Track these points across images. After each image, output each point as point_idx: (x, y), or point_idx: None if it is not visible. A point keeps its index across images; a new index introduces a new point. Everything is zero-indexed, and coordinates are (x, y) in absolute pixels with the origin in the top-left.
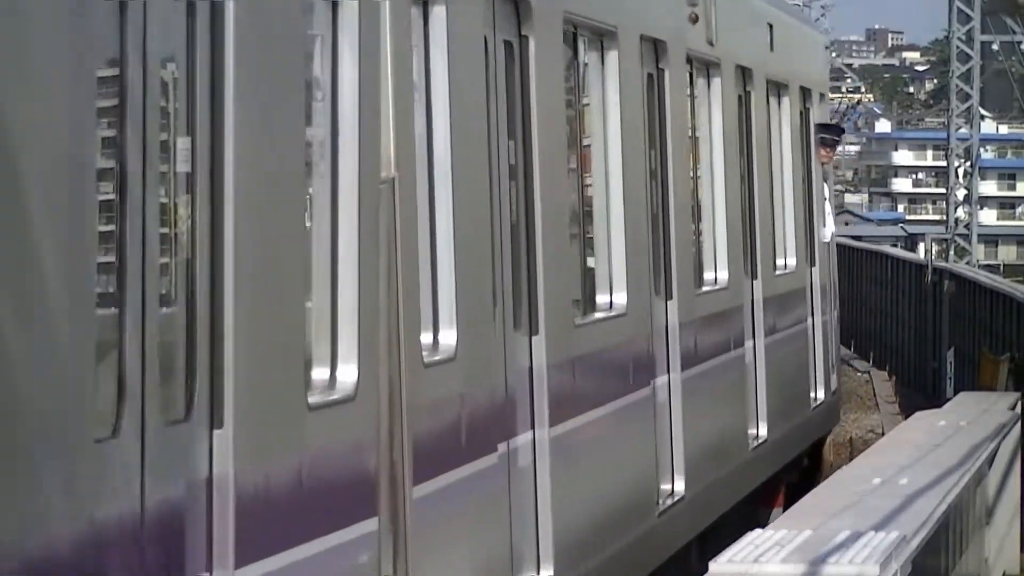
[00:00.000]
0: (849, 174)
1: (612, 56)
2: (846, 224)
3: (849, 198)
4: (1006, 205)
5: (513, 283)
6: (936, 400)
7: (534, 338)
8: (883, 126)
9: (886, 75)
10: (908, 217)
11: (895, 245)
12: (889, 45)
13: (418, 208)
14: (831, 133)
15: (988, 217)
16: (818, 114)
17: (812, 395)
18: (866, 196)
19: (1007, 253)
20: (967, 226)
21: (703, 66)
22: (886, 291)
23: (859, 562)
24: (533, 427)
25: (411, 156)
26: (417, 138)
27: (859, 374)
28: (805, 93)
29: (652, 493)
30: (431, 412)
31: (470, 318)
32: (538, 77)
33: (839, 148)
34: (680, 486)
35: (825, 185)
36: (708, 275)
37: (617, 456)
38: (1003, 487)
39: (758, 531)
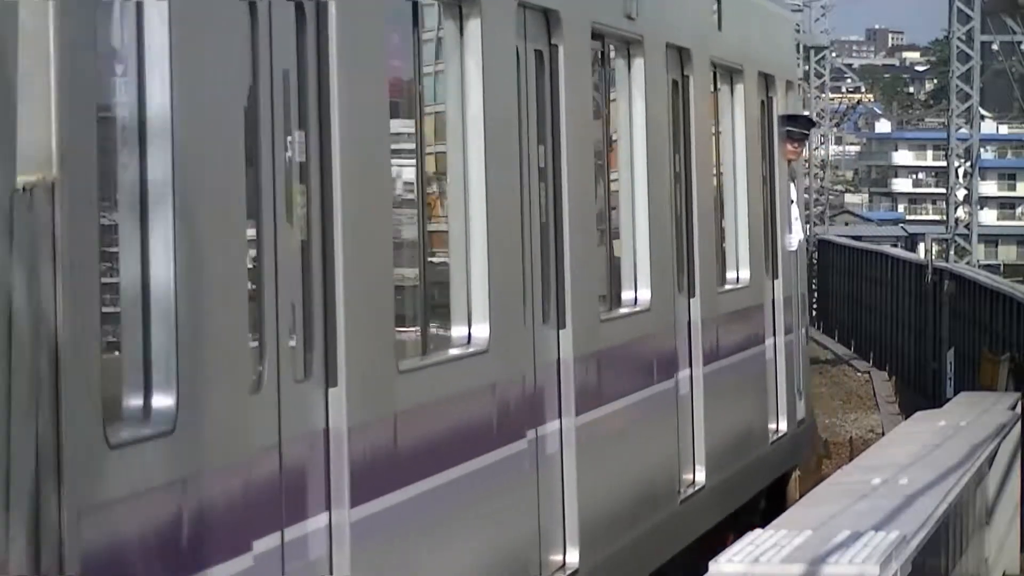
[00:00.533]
0: (849, 174)
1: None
2: (846, 224)
3: (849, 198)
4: (1006, 205)
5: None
6: (936, 400)
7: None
8: (883, 126)
9: (886, 75)
10: (908, 217)
11: (895, 245)
12: (889, 45)
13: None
14: (799, 126)
15: (988, 217)
16: (785, 104)
17: (772, 427)
18: (866, 196)
19: (1007, 253)
20: (967, 226)
21: (621, 44)
22: (886, 291)
23: (859, 562)
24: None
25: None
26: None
27: (859, 374)
28: (766, 80)
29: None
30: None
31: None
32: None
33: (843, 146)
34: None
35: (792, 186)
36: (626, 295)
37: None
38: (1003, 487)
39: (758, 531)
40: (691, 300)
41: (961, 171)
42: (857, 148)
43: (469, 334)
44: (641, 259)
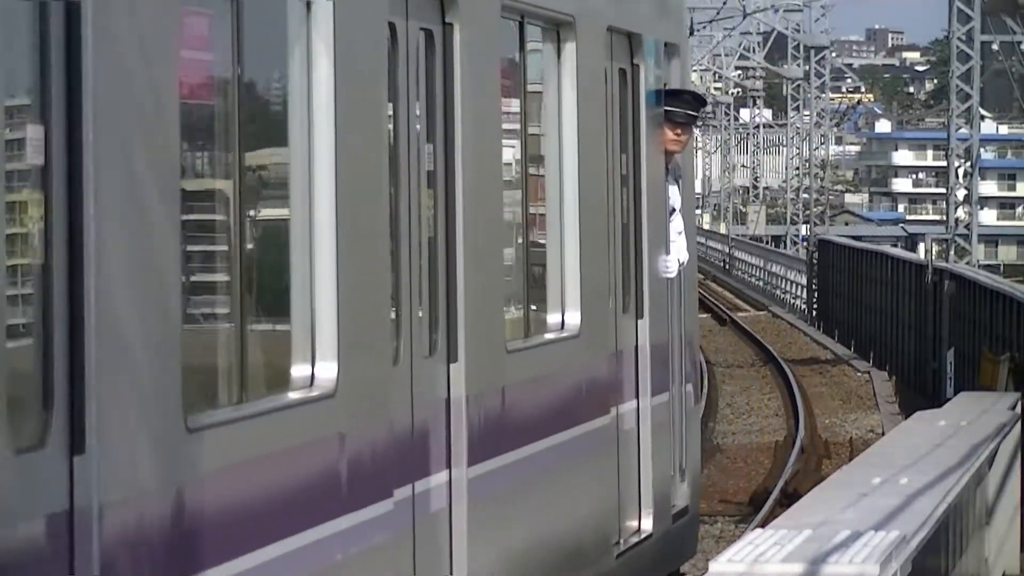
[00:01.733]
0: (849, 174)
1: None
2: (846, 224)
3: (849, 198)
4: (1006, 205)
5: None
6: (936, 400)
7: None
8: (883, 126)
9: (886, 75)
10: (908, 217)
11: (895, 245)
12: (889, 45)
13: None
14: (684, 104)
15: (988, 217)
16: (660, 76)
17: (629, 526)
18: (866, 196)
19: (1007, 253)
20: (967, 226)
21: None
22: (886, 291)
23: (859, 562)
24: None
25: None
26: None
27: (859, 374)
28: (626, 41)
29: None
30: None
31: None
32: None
33: (843, 146)
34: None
35: (675, 188)
36: (552, 318)
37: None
38: (1003, 487)
39: (758, 531)
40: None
41: (961, 171)
42: (857, 148)
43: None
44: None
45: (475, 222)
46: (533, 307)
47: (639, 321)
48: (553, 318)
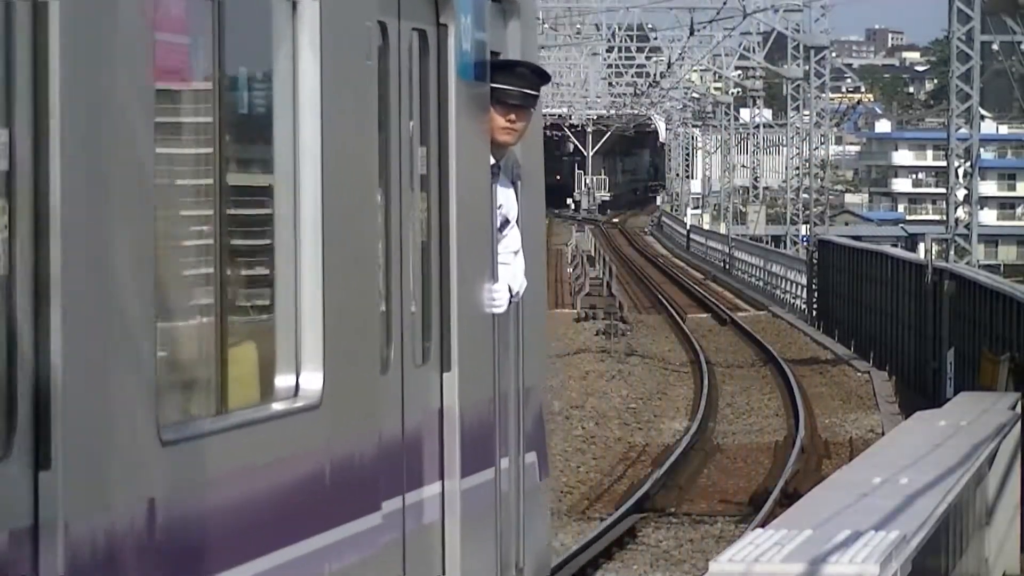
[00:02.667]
0: (849, 174)
1: None
2: (846, 224)
3: (849, 198)
4: (1006, 205)
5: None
6: (936, 400)
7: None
8: (883, 126)
9: (886, 75)
10: (908, 217)
11: (895, 245)
12: (889, 45)
13: None
14: (520, 81)
15: (988, 217)
16: (487, 43)
17: None
18: (866, 196)
19: (1007, 253)
20: (967, 226)
21: None
22: (886, 291)
23: (859, 562)
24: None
25: None
26: None
27: (859, 374)
28: None
29: None
30: None
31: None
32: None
33: (843, 146)
34: None
35: (510, 192)
36: (281, 381)
37: None
38: (1003, 487)
39: (758, 531)
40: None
41: (961, 171)
42: (857, 148)
43: None
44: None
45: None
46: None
47: (444, 375)
48: (283, 381)
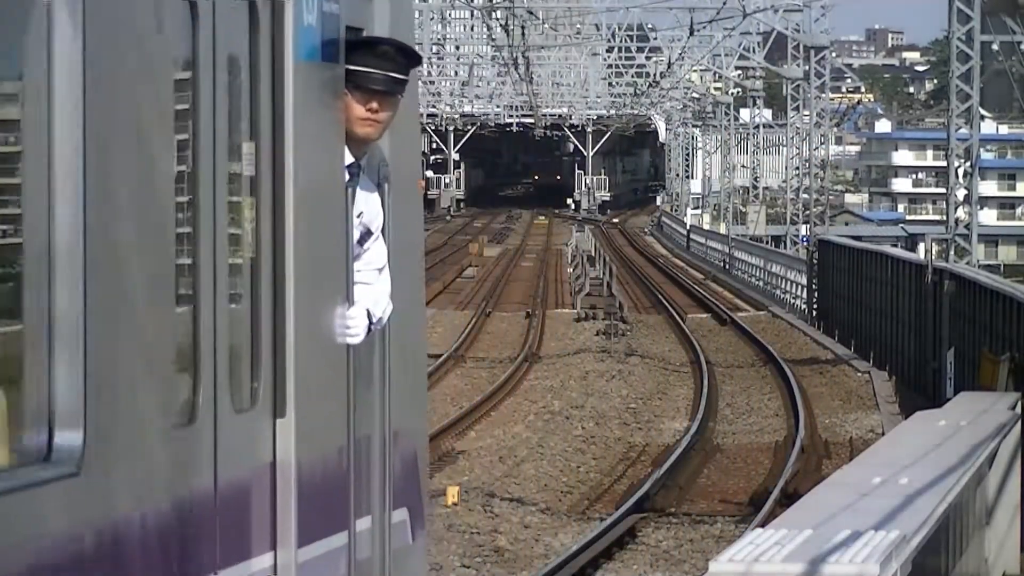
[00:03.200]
0: (849, 174)
1: None
2: (846, 224)
3: (849, 198)
4: (1006, 205)
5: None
6: (936, 400)
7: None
8: (883, 126)
9: (886, 75)
10: (908, 217)
11: (895, 245)
12: (889, 45)
13: None
14: (383, 63)
15: (988, 217)
16: (341, 16)
17: None
18: (866, 196)
19: (1007, 253)
20: (967, 226)
21: None
22: (886, 291)
23: (859, 562)
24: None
25: None
26: None
27: (859, 374)
28: None
29: None
30: None
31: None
32: None
33: (843, 146)
34: None
35: (373, 196)
36: (33, 438)
37: None
38: (1003, 487)
39: (758, 531)
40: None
41: (961, 171)
42: (857, 148)
43: None
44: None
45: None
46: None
47: (278, 422)
48: (31, 439)
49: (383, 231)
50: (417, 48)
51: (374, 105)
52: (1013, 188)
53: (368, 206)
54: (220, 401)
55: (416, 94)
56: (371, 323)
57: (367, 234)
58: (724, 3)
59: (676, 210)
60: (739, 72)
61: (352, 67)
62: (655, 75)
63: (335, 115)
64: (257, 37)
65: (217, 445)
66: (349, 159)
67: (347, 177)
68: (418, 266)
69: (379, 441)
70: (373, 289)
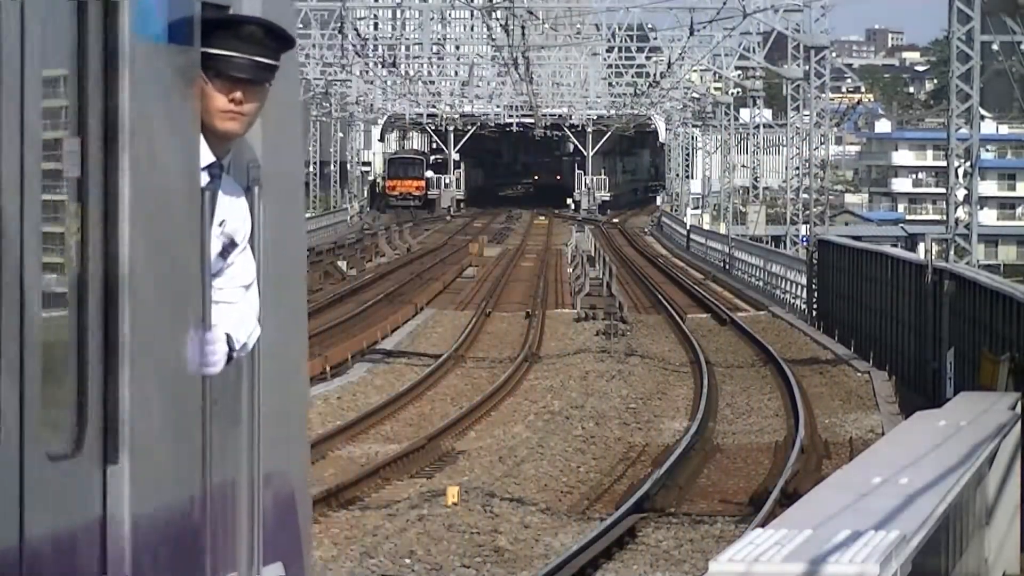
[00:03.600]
0: (849, 174)
1: None
2: (846, 224)
3: (849, 198)
4: (1006, 205)
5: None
6: (936, 400)
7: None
8: (883, 126)
9: (886, 75)
10: (908, 217)
11: (895, 245)
12: (889, 45)
13: None
14: (247, 46)
15: (988, 217)
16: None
17: None
18: (866, 196)
19: (1007, 253)
20: (967, 226)
21: None
22: (886, 291)
23: (859, 562)
24: None
25: None
26: None
27: (859, 374)
28: None
29: None
30: None
31: None
32: None
33: (843, 146)
34: None
35: (240, 203)
36: None
37: None
38: (1003, 487)
39: (758, 531)
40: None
41: (961, 171)
42: (857, 148)
43: None
44: None
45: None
46: None
47: (108, 469)
48: None
49: (252, 242)
50: (288, 29)
51: (238, 95)
52: (1013, 188)
53: (233, 213)
54: (28, 446)
55: (296, 81)
56: (233, 350)
57: (231, 245)
58: (724, 3)
59: (676, 210)
60: (739, 72)
61: (211, 51)
62: (655, 75)
63: (188, 107)
64: (85, 13)
65: (23, 500)
66: (209, 158)
67: (207, 179)
68: (298, 282)
69: (246, 487)
70: (237, 309)
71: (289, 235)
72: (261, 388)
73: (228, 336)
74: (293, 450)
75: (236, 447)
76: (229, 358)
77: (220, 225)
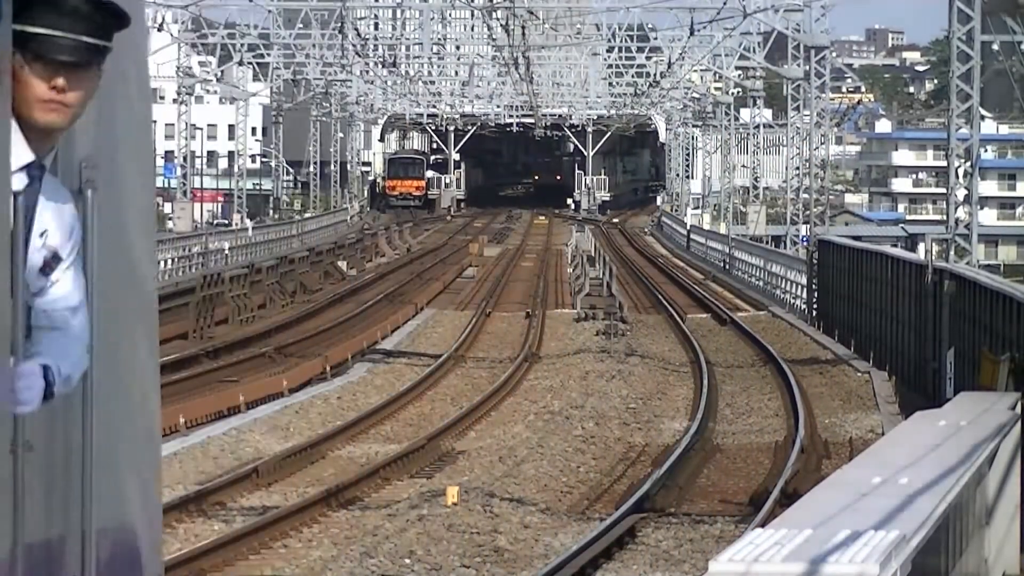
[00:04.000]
0: (849, 174)
1: None
2: (846, 224)
3: (849, 198)
4: (1006, 205)
5: None
6: (936, 400)
7: None
8: (883, 126)
9: (886, 75)
10: (908, 217)
11: (895, 245)
12: (889, 45)
13: None
14: (68, 24)
15: (988, 217)
16: None
17: None
18: (866, 196)
19: (1007, 253)
20: (967, 226)
21: None
22: (886, 291)
23: (859, 562)
24: None
25: None
26: None
27: (859, 374)
28: None
29: None
30: None
31: None
32: None
33: (843, 146)
34: None
35: (67, 209)
36: None
37: None
38: (1003, 487)
39: (758, 531)
40: None
41: (961, 171)
42: (857, 148)
43: None
44: None
45: None
46: None
47: None
48: None
49: (83, 255)
50: (122, 4)
51: (60, 82)
52: (1013, 188)
53: (56, 222)
54: None
55: (142, 64)
56: (51, 384)
57: (54, 260)
58: (724, 3)
59: (676, 210)
60: (739, 72)
61: (27, 28)
62: (655, 75)
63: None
64: None
65: None
66: (26, 157)
67: (24, 182)
68: (146, 303)
69: (74, 548)
70: (61, 337)
71: (133, 246)
72: (95, 429)
73: (46, 368)
74: (142, 498)
75: (62, 501)
76: (48, 395)
77: (41, 236)
